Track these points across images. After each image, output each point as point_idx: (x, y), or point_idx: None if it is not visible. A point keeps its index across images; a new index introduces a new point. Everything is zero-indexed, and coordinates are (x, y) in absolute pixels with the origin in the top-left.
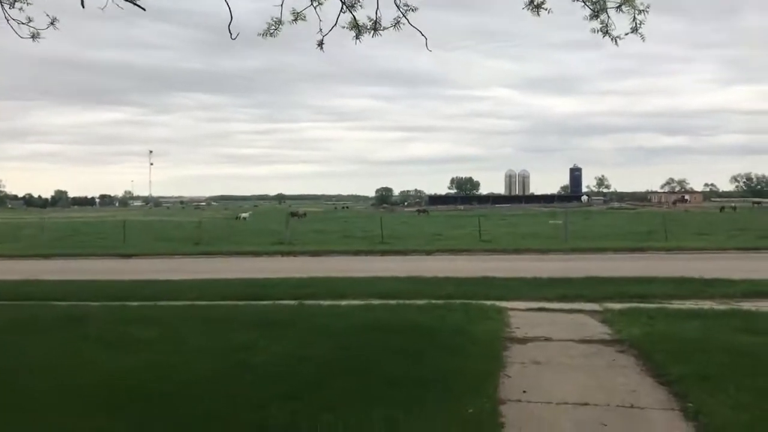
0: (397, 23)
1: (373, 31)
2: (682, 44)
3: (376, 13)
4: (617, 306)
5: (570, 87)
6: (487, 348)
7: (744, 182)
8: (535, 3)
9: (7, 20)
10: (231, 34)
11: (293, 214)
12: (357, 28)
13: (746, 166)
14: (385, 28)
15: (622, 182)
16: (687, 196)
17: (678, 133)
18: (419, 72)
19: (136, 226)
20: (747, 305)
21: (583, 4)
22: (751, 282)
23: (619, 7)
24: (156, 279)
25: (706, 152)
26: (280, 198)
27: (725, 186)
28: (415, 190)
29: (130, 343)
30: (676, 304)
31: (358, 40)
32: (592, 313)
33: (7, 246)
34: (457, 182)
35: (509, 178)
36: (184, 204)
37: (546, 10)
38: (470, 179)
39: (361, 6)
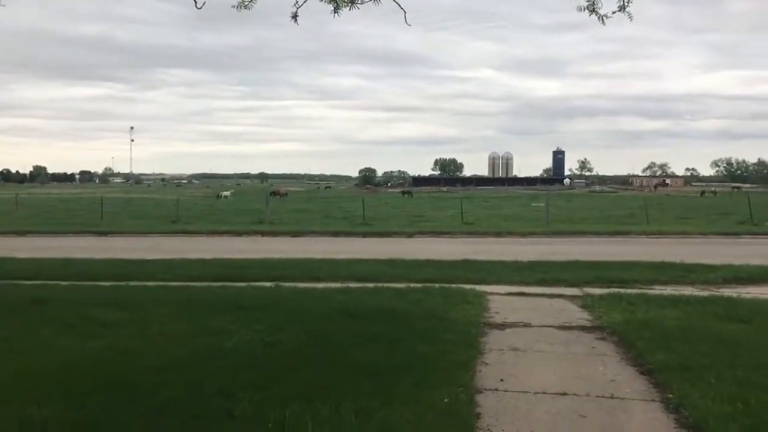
0: None
1: (350, 4)
2: (666, 28)
3: None
4: (597, 291)
5: (554, 69)
6: (465, 334)
7: (724, 167)
8: None
9: None
10: (196, 2)
11: (274, 194)
12: (335, 1)
13: (727, 151)
14: (363, 2)
15: (605, 166)
16: (668, 180)
17: (661, 118)
18: (405, 52)
19: (114, 203)
20: (728, 292)
21: None
22: (732, 267)
23: None
24: (130, 258)
25: (688, 137)
26: (263, 177)
27: (706, 171)
28: (399, 171)
29: (95, 327)
30: (657, 290)
31: (336, 14)
32: (572, 298)
33: None
34: (440, 164)
35: (492, 160)
36: (166, 181)
37: None
38: (454, 161)
39: None
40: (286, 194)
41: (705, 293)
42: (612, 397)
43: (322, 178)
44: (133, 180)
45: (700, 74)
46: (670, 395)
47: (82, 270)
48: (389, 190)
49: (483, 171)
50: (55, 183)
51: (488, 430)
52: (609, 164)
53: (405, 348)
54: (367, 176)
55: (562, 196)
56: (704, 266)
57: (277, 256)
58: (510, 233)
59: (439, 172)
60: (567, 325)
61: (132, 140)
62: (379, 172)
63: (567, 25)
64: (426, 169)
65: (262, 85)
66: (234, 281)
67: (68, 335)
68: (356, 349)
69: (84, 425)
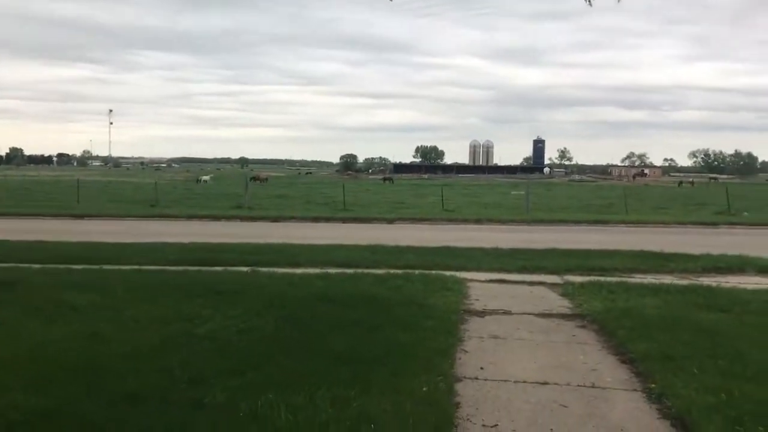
0: None
1: None
2: (647, 19)
3: None
4: (578, 279)
5: (536, 58)
6: (445, 321)
7: (702, 158)
8: None
9: None
10: None
11: (255, 179)
12: None
13: (704, 142)
14: None
15: (584, 155)
16: (647, 171)
17: (640, 108)
18: (388, 38)
19: (92, 186)
20: (707, 281)
21: None
22: (711, 257)
23: None
24: (105, 241)
25: (667, 127)
26: (243, 162)
27: (684, 161)
28: (380, 157)
29: (66, 310)
30: (637, 278)
31: None
32: (552, 285)
33: None
34: (422, 151)
35: (473, 148)
36: (145, 165)
37: None
38: (435, 148)
39: None
40: (267, 179)
41: (685, 282)
42: (593, 387)
43: (303, 163)
44: (112, 163)
45: (679, 65)
46: (653, 385)
47: (55, 253)
48: (370, 176)
49: (464, 159)
50: (31, 165)
51: (468, 419)
52: (588, 154)
53: (384, 335)
54: (349, 162)
55: (541, 184)
56: (683, 255)
57: (255, 240)
58: (490, 221)
59: (420, 160)
60: (547, 312)
61: (111, 123)
62: (361, 159)
63: (550, 13)
64: (407, 156)
65: (243, 69)
66: (211, 265)
67: (36, 319)
68: (334, 336)
69: (45, 414)
